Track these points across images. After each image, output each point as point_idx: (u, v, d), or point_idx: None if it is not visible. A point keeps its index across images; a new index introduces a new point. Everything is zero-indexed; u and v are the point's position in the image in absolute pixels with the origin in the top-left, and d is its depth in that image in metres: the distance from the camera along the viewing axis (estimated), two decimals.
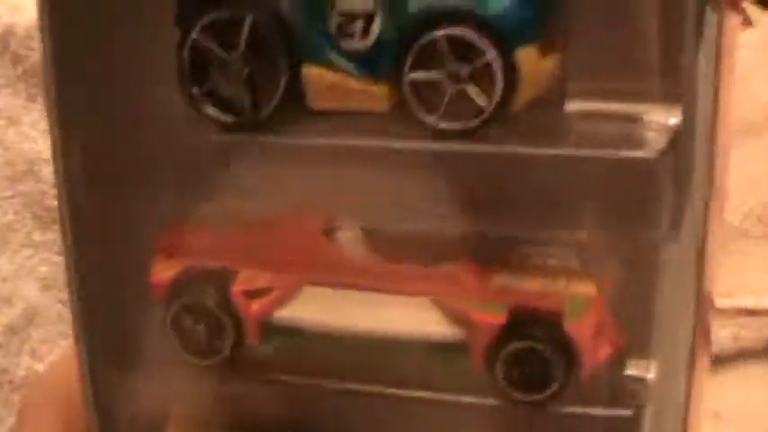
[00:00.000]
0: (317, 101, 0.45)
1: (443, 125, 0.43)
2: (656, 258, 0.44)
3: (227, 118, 0.46)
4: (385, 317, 0.47)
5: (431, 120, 0.43)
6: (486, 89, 0.42)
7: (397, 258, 0.48)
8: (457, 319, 0.46)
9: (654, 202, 0.43)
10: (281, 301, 0.48)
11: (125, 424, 0.51)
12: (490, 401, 0.47)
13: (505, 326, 0.45)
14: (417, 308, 0.47)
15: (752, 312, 0.63)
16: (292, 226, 0.48)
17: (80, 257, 0.49)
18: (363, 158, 0.45)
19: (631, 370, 0.46)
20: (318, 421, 0.50)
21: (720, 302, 0.57)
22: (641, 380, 0.46)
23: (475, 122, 0.43)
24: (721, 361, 0.63)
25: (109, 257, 0.50)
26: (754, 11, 0.61)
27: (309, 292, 0.48)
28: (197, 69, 0.45)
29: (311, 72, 0.44)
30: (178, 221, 0.50)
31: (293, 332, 0.49)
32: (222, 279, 0.49)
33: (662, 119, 0.43)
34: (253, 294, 0.48)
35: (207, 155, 0.48)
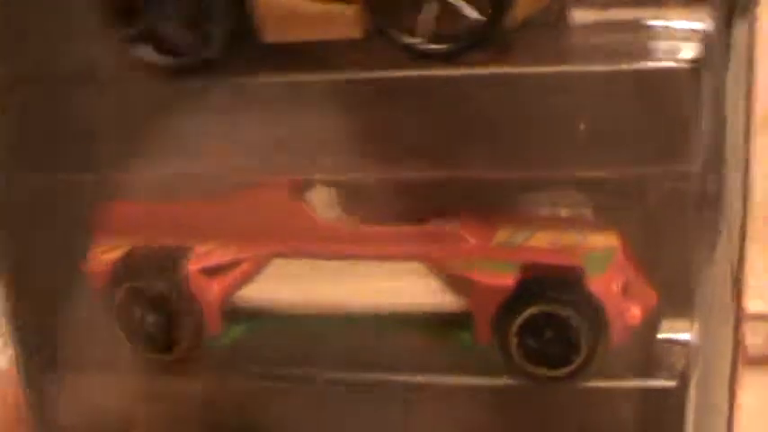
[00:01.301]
0: (270, 31, 0.38)
1: (430, 47, 0.36)
2: (689, 197, 0.37)
3: (167, 61, 0.38)
4: (371, 289, 0.40)
5: (415, 42, 0.36)
6: (477, 2, 0.35)
7: (379, 219, 0.40)
8: (457, 284, 0.39)
9: (685, 128, 0.35)
10: (246, 278, 0.41)
11: None
12: (499, 382, 0.39)
13: (516, 288, 0.37)
14: (409, 275, 0.39)
15: (758, 317, 0.57)
16: (255, 188, 0.41)
17: (10, 247, 0.43)
18: (332, 96, 0.37)
19: (669, 333, 0.39)
20: (292, 418, 0.42)
21: None
22: (681, 344, 0.38)
23: (466, 42, 0.36)
24: None
25: (44, 243, 0.43)
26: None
27: (279, 265, 0.41)
28: (127, 6, 0.38)
29: None
30: (119, 194, 0.42)
31: (261, 316, 0.41)
32: (174, 257, 0.41)
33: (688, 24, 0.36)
34: (213, 272, 0.41)
35: (147, 110, 0.40)
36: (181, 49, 0.38)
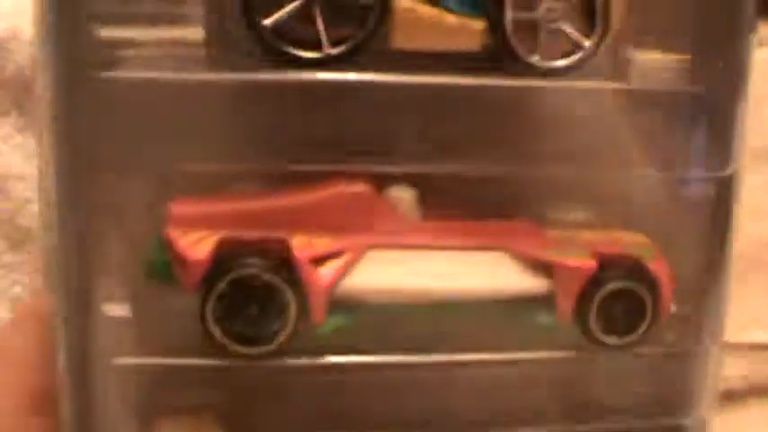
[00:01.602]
0: (402, 38, 0.42)
1: (548, 64, 0.43)
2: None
3: (300, 55, 0.41)
4: (460, 276, 0.44)
5: (534, 59, 0.43)
6: (581, 27, 0.43)
7: (446, 217, 0.45)
8: (541, 268, 0.45)
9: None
10: (348, 268, 0.43)
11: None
12: (571, 354, 0.46)
13: (597, 269, 0.44)
14: (495, 262, 0.45)
15: (763, 347, 0.61)
16: (343, 183, 0.43)
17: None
18: (413, 97, 0.42)
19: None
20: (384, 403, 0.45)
21: (732, 337, 0.58)
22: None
23: (577, 61, 0.43)
24: (731, 398, 0.62)
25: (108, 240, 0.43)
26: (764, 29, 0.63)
27: (374, 256, 0.43)
28: None
29: (403, 5, 0.42)
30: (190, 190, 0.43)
31: (357, 306, 0.43)
32: (276, 248, 0.42)
33: None
34: (319, 260, 0.42)
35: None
36: (312, 45, 0.41)
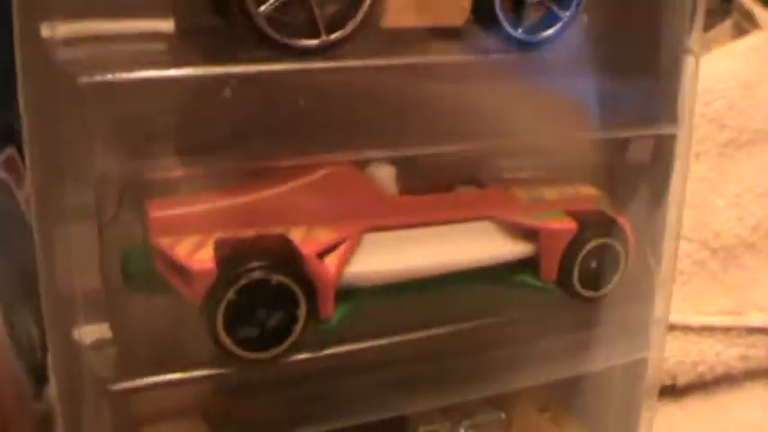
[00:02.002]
0: (394, 15, 0.43)
1: (529, 37, 0.44)
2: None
3: (296, 43, 0.39)
4: (453, 246, 0.45)
5: (517, 33, 0.44)
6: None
7: (421, 192, 0.46)
8: (525, 233, 0.46)
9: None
10: (349, 257, 0.42)
11: None
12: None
13: (579, 228, 0.47)
14: (481, 231, 0.46)
15: (761, 330, 0.62)
16: (318, 169, 0.42)
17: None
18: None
19: None
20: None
21: (728, 320, 0.61)
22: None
23: (556, 33, 0.45)
24: (728, 381, 0.63)
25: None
26: (760, 11, 0.65)
27: (369, 239, 0.43)
28: None
29: None
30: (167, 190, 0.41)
31: (359, 292, 0.43)
32: (281, 246, 0.40)
33: None
34: (323, 253, 0.41)
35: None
36: (308, 32, 0.40)
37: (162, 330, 0.43)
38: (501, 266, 0.46)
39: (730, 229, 0.62)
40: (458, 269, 0.45)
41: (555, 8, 0.44)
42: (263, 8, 0.38)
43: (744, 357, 0.62)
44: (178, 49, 0.41)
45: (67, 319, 0.40)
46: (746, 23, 0.65)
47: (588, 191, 0.49)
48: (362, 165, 0.44)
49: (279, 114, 0.43)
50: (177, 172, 0.40)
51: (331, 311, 0.41)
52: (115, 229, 0.41)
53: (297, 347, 0.41)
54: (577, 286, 0.47)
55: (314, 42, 0.39)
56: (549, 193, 0.48)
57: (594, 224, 0.47)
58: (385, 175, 0.44)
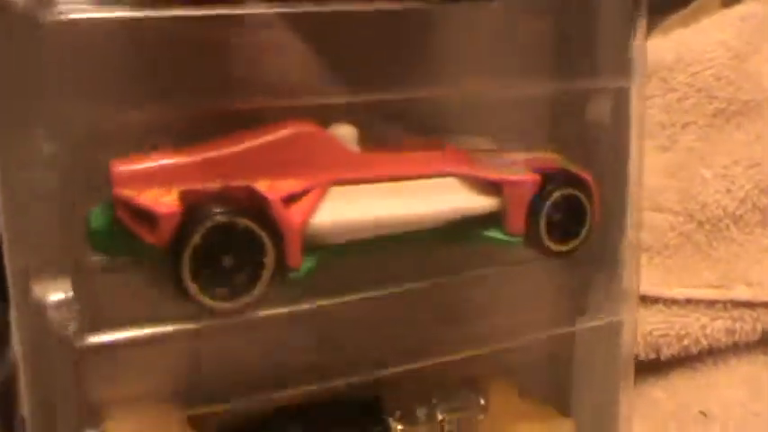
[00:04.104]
0: None
1: None
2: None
3: None
4: (418, 200, 0.45)
5: None
6: None
7: (383, 150, 0.46)
8: (490, 187, 0.46)
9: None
10: (316, 206, 0.42)
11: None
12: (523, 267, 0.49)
13: (543, 180, 0.47)
14: (447, 187, 0.46)
15: (747, 305, 0.62)
16: (283, 124, 0.42)
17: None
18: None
19: None
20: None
21: (713, 294, 0.60)
22: None
23: None
24: (713, 357, 0.62)
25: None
26: None
27: (336, 192, 0.43)
28: None
29: None
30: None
31: (327, 245, 0.43)
32: (246, 193, 0.40)
33: None
34: (288, 201, 0.41)
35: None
36: None
37: (126, 288, 0.42)
38: (468, 222, 0.46)
39: (717, 201, 0.62)
40: (425, 223, 0.45)
41: None
42: None
43: (730, 331, 0.62)
44: None
45: (30, 276, 0.39)
46: None
47: (550, 155, 0.50)
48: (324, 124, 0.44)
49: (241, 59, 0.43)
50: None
51: (299, 260, 0.41)
52: (78, 185, 0.40)
53: (265, 299, 0.41)
54: (545, 240, 0.47)
55: None
56: (510, 156, 0.49)
57: (558, 177, 0.48)
58: (346, 133, 0.44)
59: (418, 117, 0.48)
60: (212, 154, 0.41)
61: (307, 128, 0.43)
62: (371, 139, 0.45)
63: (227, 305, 0.40)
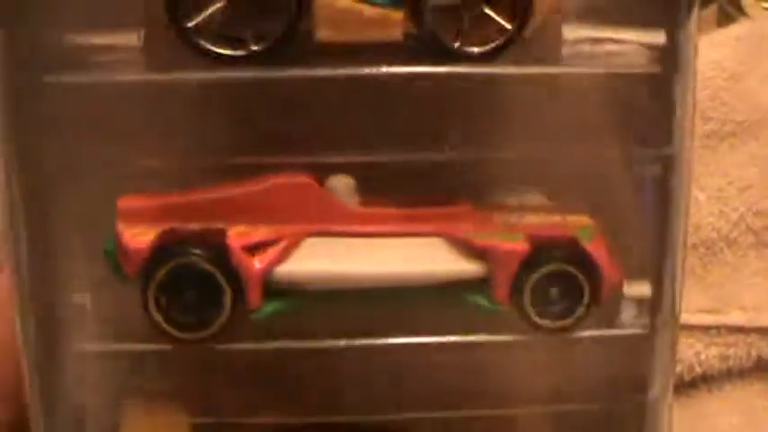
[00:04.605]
0: (325, 30, 0.43)
1: (471, 49, 0.44)
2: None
3: (226, 51, 0.43)
4: (398, 259, 0.45)
5: (456, 45, 0.44)
6: (504, 12, 0.44)
7: (384, 205, 0.47)
8: (476, 252, 0.46)
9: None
10: (284, 255, 0.45)
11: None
12: (511, 338, 0.47)
13: (532, 250, 0.45)
14: (431, 248, 0.46)
15: (741, 330, 0.61)
16: (282, 175, 0.45)
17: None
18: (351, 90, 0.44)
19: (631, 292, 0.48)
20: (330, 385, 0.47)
21: (707, 319, 0.58)
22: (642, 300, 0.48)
23: (498, 46, 0.44)
24: (707, 384, 0.62)
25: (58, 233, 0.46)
26: (748, 2, 0.63)
27: (312, 243, 0.45)
28: None
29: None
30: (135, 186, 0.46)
31: (295, 292, 0.45)
32: (215, 238, 0.44)
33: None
34: (253, 248, 0.44)
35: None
36: (237, 42, 0.43)
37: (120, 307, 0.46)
38: (452, 285, 0.46)
39: (711, 223, 0.61)
40: (403, 282, 0.45)
41: (497, 19, 0.44)
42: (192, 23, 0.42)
43: (724, 357, 0.61)
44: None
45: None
46: (732, 10, 0.63)
47: (576, 220, 0.47)
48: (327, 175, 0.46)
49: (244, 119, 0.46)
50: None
51: (257, 303, 0.44)
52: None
53: (227, 333, 0.44)
54: (531, 314, 0.46)
55: (240, 53, 0.43)
56: (531, 218, 0.47)
57: (551, 248, 0.45)
58: (343, 186, 0.46)
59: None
60: (198, 197, 0.45)
61: (294, 179, 0.45)
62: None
63: (187, 335, 0.44)
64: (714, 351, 0.61)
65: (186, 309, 0.44)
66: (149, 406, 0.48)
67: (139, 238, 0.44)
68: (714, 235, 0.60)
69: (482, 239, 0.45)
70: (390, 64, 0.44)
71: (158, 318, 0.44)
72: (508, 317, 0.46)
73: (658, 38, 0.46)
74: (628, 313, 0.49)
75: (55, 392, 0.46)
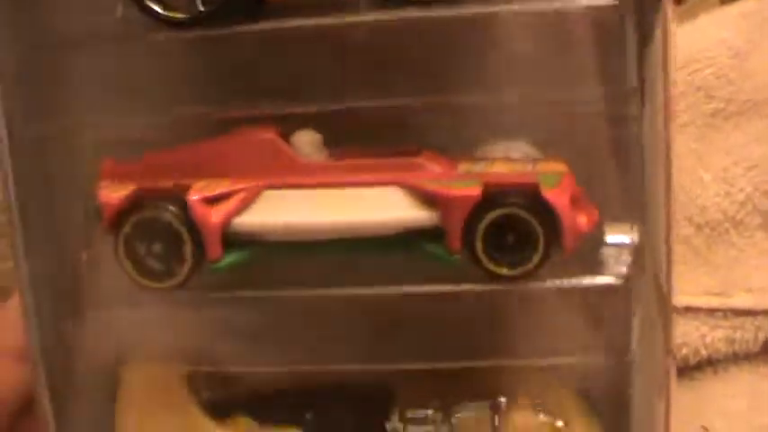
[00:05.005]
0: None
1: None
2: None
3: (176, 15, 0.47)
4: (355, 211, 0.46)
5: None
6: None
7: (350, 157, 0.48)
8: (430, 200, 0.46)
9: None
10: (241, 207, 0.47)
11: (78, 374, 0.50)
12: (468, 287, 0.46)
13: (482, 197, 0.45)
14: (389, 198, 0.46)
15: (747, 313, 0.59)
16: (247, 133, 0.48)
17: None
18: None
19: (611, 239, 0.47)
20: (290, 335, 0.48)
21: (713, 301, 0.57)
22: (622, 246, 0.47)
23: None
24: (713, 367, 0.60)
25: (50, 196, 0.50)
26: None
27: (270, 195, 0.47)
28: None
29: None
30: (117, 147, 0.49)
31: (255, 243, 0.47)
32: (177, 193, 0.47)
33: None
34: (212, 201, 0.47)
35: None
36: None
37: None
38: (410, 235, 0.46)
39: (717, 204, 0.59)
40: (359, 231, 0.46)
41: None
42: None
43: (729, 340, 0.59)
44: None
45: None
46: None
47: (548, 167, 0.47)
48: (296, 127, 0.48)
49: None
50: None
51: (217, 255, 0.46)
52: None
53: (190, 282, 0.47)
54: (485, 261, 0.45)
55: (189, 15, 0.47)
56: (498, 167, 0.47)
57: (504, 194, 0.45)
58: (308, 140, 0.48)
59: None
60: (170, 157, 0.48)
61: (251, 135, 0.48)
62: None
63: (156, 284, 0.47)
64: (720, 334, 0.59)
65: (153, 259, 0.47)
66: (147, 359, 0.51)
67: (113, 194, 0.47)
68: (720, 216, 0.59)
69: (435, 186, 0.46)
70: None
71: (128, 266, 0.47)
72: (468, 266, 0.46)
73: None
74: (609, 262, 0.48)
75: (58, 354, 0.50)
